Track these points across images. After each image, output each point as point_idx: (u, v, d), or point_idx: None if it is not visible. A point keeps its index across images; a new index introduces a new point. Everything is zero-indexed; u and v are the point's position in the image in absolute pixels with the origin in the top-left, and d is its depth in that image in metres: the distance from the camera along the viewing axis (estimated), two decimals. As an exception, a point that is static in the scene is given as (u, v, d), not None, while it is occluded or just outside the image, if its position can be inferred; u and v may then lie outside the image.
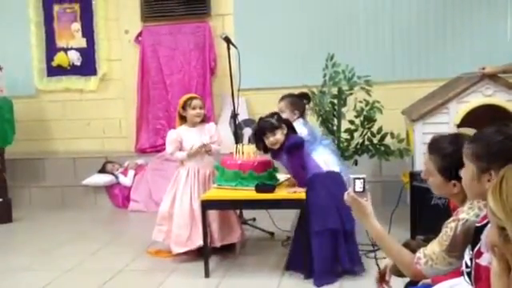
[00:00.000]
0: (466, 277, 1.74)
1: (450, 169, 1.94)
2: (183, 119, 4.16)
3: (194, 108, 4.09)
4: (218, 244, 4.05)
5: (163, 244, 4.17)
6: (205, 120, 4.23)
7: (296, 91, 4.32)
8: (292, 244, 3.84)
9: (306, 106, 4.23)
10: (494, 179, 1.66)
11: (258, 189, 3.65)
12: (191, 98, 4.15)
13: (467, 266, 1.73)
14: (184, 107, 4.11)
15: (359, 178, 2.03)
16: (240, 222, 4.30)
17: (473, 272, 1.69)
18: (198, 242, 3.86)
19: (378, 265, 3.51)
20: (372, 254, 3.74)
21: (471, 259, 1.70)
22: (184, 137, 4.11)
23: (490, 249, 1.50)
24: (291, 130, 3.68)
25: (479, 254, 1.66)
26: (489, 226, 1.59)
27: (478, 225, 1.72)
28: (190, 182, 4.07)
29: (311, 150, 3.82)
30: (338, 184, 3.59)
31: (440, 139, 2.02)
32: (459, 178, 1.90)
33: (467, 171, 1.79)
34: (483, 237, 1.64)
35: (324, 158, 3.84)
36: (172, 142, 4.10)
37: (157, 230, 4.14)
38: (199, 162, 4.11)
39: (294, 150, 3.60)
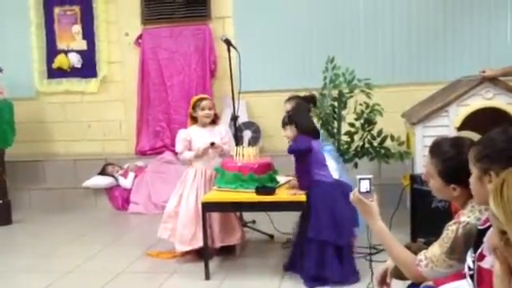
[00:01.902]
0: (469, 279, 1.74)
1: (450, 172, 1.94)
2: (194, 120, 4.20)
3: (202, 109, 4.13)
4: (218, 245, 4.07)
5: (168, 242, 4.17)
6: (216, 121, 4.26)
7: (296, 94, 4.32)
8: (293, 246, 3.85)
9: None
10: (494, 180, 1.66)
11: (259, 191, 3.65)
12: (201, 99, 4.19)
13: (470, 269, 1.73)
14: (194, 108, 4.15)
15: (365, 179, 2.02)
16: (240, 224, 4.31)
17: (475, 275, 1.69)
18: (200, 242, 3.86)
19: (371, 269, 3.51)
20: (372, 257, 3.74)
21: (474, 262, 1.70)
22: (193, 137, 4.14)
23: (492, 251, 1.50)
24: (308, 131, 3.66)
25: (481, 257, 1.66)
26: (491, 229, 1.58)
27: (480, 227, 1.72)
28: (196, 182, 4.09)
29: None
30: (341, 195, 3.57)
31: (441, 142, 2.02)
32: (459, 182, 1.90)
33: (472, 175, 1.78)
34: (486, 240, 1.64)
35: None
36: (181, 141, 4.15)
37: (162, 228, 4.16)
38: (207, 162, 4.13)
39: (297, 154, 3.62)
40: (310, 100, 4.18)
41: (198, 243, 3.92)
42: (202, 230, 3.78)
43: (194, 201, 4.04)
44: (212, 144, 4.07)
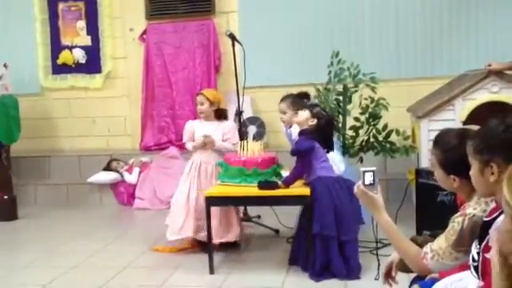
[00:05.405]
0: (473, 271, 1.73)
1: (450, 163, 1.92)
2: None
3: (196, 104, 4.24)
4: (216, 241, 4.04)
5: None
6: (223, 117, 4.27)
7: (301, 89, 4.31)
8: (295, 240, 3.84)
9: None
10: (495, 172, 1.65)
11: (261, 186, 3.64)
12: (196, 95, 4.30)
13: (474, 260, 1.71)
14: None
15: (369, 171, 2.00)
16: (240, 221, 4.27)
17: (480, 266, 1.67)
18: (188, 232, 3.99)
19: (378, 263, 3.50)
20: (378, 251, 3.73)
21: (478, 253, 1.69)
22: (196, 129, 4.22)
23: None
24: (313, 134, 3.64)
25: (488, 249, 1.64)
26: (498, 220, 1.57)
27: (486, 219, 1.70)
28: (190, 175, 4.16)
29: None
30: (344, 190, 3.55)
31: (447, 133, 2.01)
32: (459, 173, 1.88)
33: (472, 169, 1.77)
34: (492, 231, 1.62)
35: (330, 157, 3.83)
36: (186, 132, 4.29)
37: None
38: (202, 156, 4.17)
39: (301, 155, 3.62)
40: (304, 96, 4.16)
41: (187, 233, 4.02)
42: (190, 221, 3.97)
43: (186, 192, 4.10)
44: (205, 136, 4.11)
